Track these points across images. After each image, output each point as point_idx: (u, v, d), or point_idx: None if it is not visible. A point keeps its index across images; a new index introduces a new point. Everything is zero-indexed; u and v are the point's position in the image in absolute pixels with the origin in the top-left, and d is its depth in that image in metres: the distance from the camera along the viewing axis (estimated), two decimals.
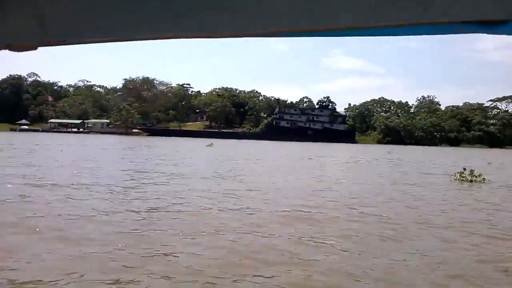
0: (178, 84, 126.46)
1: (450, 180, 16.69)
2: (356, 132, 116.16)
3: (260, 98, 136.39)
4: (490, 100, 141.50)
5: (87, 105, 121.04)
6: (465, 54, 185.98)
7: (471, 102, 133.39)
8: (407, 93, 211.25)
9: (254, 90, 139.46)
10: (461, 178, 16.24)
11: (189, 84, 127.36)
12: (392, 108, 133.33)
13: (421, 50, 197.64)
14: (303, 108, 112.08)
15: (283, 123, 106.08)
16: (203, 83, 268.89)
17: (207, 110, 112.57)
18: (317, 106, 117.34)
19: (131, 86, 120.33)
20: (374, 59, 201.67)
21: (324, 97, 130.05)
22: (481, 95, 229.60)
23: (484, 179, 15.90)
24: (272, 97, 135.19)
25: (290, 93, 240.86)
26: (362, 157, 37.58)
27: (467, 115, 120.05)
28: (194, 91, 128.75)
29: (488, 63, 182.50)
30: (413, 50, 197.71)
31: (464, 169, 16.49)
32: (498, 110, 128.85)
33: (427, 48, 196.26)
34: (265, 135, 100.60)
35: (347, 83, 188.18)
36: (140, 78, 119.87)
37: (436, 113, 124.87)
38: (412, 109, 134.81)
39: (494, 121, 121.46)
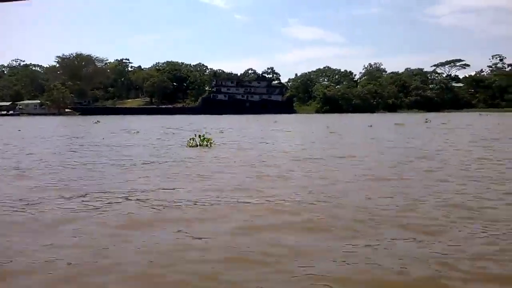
0: (116, 59, 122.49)
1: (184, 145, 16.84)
2: (297, 102, 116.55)
3: (207, 72, 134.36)
4: (433, 65, 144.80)
5: (19, 86, 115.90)
6: (421, 20, 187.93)
7: (424, 67, 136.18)
8: (365, 62, 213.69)
9: (200, 63, 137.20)
10: (192, 144, 16.34)
11: (128, 60, 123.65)
12: (336, 77, 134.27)
13: (379, 17, 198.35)
14: (240, 80, 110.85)
15: (220, 96, 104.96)
16: (150, 58, 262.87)
17: (144, 85, 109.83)
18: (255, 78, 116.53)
19: (65, 64, 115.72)
20: (332, 28, 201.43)
21: (268, 68, 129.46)
22: (437, 60, 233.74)
23: (211, 144, 16.22)
24: (219, 70, 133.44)
25: (250, 65, 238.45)
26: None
27: (406, 81, 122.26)
28: (134, 67, 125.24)
29: (443, 28, 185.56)
30: (371, 18, 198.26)
31: (195, 135, 16.64)
32: (437, 75, 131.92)
33: (384, 15, 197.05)
34: (202, 109, 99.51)
35: (306, 53, 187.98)
36: (74, 54, 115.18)
37: (378, 80, 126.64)
38: (357, 78, 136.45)
39: (433, 86, 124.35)
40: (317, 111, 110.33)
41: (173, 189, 8.10)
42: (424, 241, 4.88)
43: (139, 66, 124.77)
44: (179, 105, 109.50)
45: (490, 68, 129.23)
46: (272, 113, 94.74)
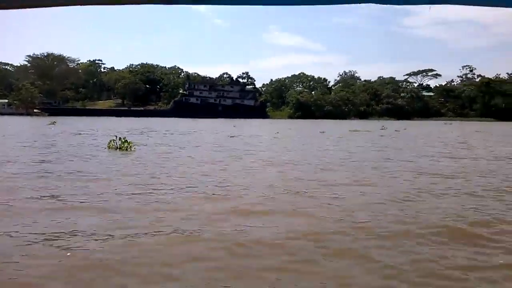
0: (89, 60, 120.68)
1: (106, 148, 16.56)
2: (271, 107, 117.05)
3: (182, 75, 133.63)
4: (406, 74, 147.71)
5: None
6: (398, 30, 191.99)
7: (397, 76, 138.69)
8: (344, 69, 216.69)
9: (175, 66, 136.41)
10: (111, 146, 16.07)
11: (101, 60, 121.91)
12: (311, 83, 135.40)
13: (358, 26, 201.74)
14: (213, 84, 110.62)
15: (192, 100, 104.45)
16: (127, 61, 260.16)
17: (116, 87, 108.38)
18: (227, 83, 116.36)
19: (36, 63, 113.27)
20: (312, 36, 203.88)
21: (243, 73, 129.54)
22: (411, 70, 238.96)
23: (131, 147, 15.86)
24: (195, 73, 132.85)
25: (228, 70, 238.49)
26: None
27: (378, 89, 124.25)
28: (107, 68, 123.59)
29: (418, 39, 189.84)
30: (350, 27, 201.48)
31: (116, 136, 16.32)
32: (409, 84, 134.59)
33: (363, 24, 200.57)
34: (174, 112, 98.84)
35: (285, 60, 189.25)
36: (45, 54, 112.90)
37: (351, 88, 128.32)
38: (331, 85, 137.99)
39: (404, 94, 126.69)
40: (290, 117, 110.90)
41: None
42: None
43: (112, 68, 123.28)
44: (151, 108, 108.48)
45: (460, 79, 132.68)
46: (245, 118, 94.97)
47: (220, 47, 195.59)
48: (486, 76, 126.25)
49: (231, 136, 28.32)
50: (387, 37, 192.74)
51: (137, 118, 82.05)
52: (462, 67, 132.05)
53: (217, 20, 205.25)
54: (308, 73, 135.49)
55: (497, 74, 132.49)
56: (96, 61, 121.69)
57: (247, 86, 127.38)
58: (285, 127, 47.57)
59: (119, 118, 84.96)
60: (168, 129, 36.98)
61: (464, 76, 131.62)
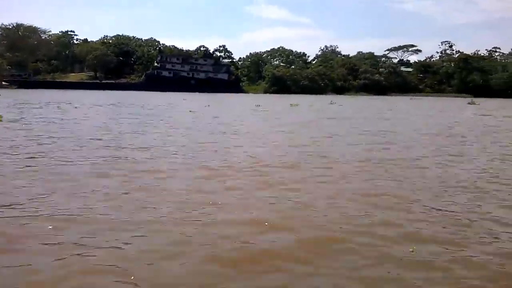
0: (61, 31, 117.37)
1: None
2: (247, 82, 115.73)
3: (160, 47, 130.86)
4: (387, 50, 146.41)
5: None
6: (386, 5, 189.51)
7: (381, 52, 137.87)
8: (335, 44, 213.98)
9: (151, 38, 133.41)
10: None
11: (74, 32, 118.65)
12: (290, 58, 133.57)
13: (346, 1, 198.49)
14: (185, 56, 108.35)
15: (164, 73, 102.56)
16: (106, 33, 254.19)
17: (86, 59, 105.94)
18: (202, 55, 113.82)
19: (5, 34, 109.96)
20: (299, 9, 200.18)
21: (220, 46, 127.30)
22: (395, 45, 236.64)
23: None
24: (172, 46, 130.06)
25: (215, 43, 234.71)
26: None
27: (356, 64, 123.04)
28: (80, 40, 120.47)
29: (405, 13, 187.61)
30: (338, 1, 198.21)
31: None
32: (387, 59, 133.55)
33: None
34: (146, 85, 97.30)
35: (272, 33, 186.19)
36: (15, 24, 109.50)
37: (330, 63, 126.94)
38: (310, 59, 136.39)
39: (382, 70, 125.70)
40: (266, 91, 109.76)
41: None
42: None
43: (85, 39, 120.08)
44: (124, 81, 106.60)
45: (439, 55, 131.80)
46: (218, 92, 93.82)
47: (202, 20, 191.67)
48: (464, 52, 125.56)
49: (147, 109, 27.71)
50: (375, 12, 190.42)
51: (110, 91, 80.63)
52: (441, 42, 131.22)
53: None
54: (295, 47, 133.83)
55: (476, 50, 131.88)
56: (69, 32, 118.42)
57: (224, 60, 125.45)
58: (235, 101, 46.92)
59: (85, 91, 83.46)
60: (103, 103, 36.12)
61: (443, 52, 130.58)
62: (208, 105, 33.41)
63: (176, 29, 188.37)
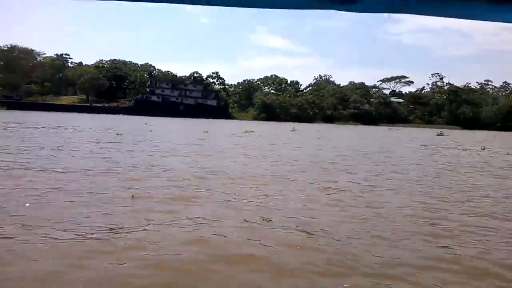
0: (56, 54, 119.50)
1: None
2: (237, 109, 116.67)
3: (155, 72, 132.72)
4: (379, 80, 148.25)
5: None
6: (383, 37, 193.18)
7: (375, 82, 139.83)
8: (332, 73, 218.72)
9: (147, 63, 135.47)
10: None
11: (68, 55, 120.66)
12: (283, 86, 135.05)
13: (343, 31, 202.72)
14: (175, 82, 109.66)
15: (154, 98, 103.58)
16: (105, 57, 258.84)
17: (78, 82, 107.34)
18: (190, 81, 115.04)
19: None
20: (299, 39, 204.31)
21: (213, 73, 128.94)
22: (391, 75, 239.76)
23: None
24: (168, 71, 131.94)
25: (210, 70, 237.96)
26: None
27: (346, 94, 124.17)
28: (75, 63, 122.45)
29: (402, 46, 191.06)
30: (335, 32, 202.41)
31: None
32: (378, 90, 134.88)
33: (348, 29, 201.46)
34: (135, 110, 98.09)
35: (272, 61, 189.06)
36: (9, 45, 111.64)
37: (321, 92, 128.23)
38: (302, 88, 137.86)
39: (373, 100, 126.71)
40: (255, 118, 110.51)
41: None
42: None
43: (80, 63, 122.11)
44: (115, 104, 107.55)
45: (429, 86, 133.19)
46: (207, 118, 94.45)
47: (204, 46, 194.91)
48: (454, 85, 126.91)
49: (119, 134, 27.67)
50: (371, 43, 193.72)
51: (97, 115, 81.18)
52: (432, 74, 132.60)
53: (203, 19, 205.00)
54: (294, 76, 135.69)
55: (467, 83, 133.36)
56: (64, 55, 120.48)
57: (216, 86, 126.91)
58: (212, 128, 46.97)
59: (73, 114, 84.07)
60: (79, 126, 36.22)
61: (433, 84, 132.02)
62: (151, 130, 33.14)
63: (177, 55, 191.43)
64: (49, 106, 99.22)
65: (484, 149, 27.16)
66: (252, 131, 36.92)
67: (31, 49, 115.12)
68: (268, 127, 53.44)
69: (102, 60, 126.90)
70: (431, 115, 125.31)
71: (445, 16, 0.94)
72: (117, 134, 25.54)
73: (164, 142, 21.40)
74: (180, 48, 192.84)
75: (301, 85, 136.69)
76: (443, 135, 49.51)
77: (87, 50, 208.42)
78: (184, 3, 0.95)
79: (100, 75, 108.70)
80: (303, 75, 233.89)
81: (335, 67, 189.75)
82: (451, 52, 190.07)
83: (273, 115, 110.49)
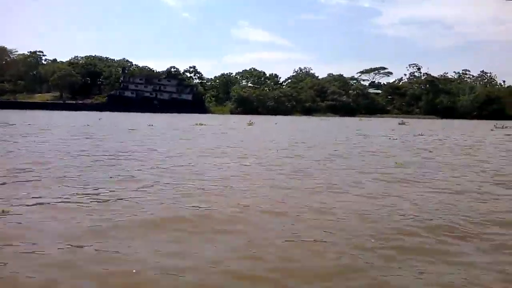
0: (29, 51, 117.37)
1: None
2: (214, 102, 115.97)
3: (133, 68, 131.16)
4: (359, 72, 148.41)
5: None
6: (366, 29, 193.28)
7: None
8: (314, 67, 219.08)
9: (124, 59, 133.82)
10: None
11: (42, 52, 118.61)
12: (262, 79, 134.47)
13: (327, 25, 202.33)
14: (149, 77, 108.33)
15: (127, 93, 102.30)
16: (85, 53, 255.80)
17: (50, 79, 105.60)
18: (164, 76, 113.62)
19: None
20: (282, 33, 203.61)
21: (190, 67, 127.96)
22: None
23: None
24: (145, 67, 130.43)
25: (199, 65, 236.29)
26: None
27: (324, 86, 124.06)
28: (49, 60, 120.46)
29: (385, 38, 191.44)
30: (319, 25, 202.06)
31: None
32: (355, 81, 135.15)
33: (332, 23, 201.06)
34: (109, 106, 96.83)
35: (255, 55, 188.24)
36: None
37: (300, 84, 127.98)
38: (281, 81, 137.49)
39: (351, 91, 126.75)
40: (232, 112, 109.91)
41: None
42: None
43: (54, 59, 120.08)
44: (89, 101, 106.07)
45: (407, 77, 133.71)
46: (183, 113, 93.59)
47: (186, 41, 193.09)
48: (431, 74, 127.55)
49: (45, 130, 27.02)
50: (355, 36, 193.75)
51: (65, 112, 79.84)
52: (409, 65, 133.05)
53: (185, 14, 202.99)
54: (276, 70, 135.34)
55: (444, 72, 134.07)
56: (37, 52, 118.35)
57: (195, 81, 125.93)
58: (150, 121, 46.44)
59: (44, 111, 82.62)
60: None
61: (411, 75, 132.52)
62: (88, 125, 32.55)
63: (157, 51, 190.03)
64: (19, 104, 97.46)
65: (422, 134, 27.21)
66: (203, 124, 36.50)
67: (4, 46, 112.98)
68: (226, 120, 52.94)
69: (77, 56, 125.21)
70: (409, 105, 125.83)
71: None
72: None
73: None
74: (161, 43, 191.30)
75: (280, 78, 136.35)
76: (404, 124, 49.62)
77: (66, 48, 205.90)
78: None
79: (73, 71, 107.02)
80: (287, 69, 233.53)
81: (319, 61, 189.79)
82: (434, 44, 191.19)
83: (251, 108, 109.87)
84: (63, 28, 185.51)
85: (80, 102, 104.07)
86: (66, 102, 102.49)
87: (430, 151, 15.89)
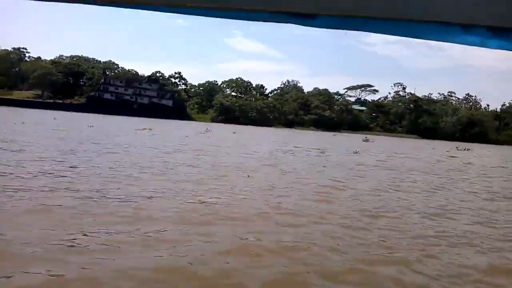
0: (13, 47, 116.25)
1: None
2: (196, 110, 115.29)
3: (117, 70, 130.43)
4: (346, 88, 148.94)
5: None
6: (357, 46, 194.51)
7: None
8: (304, 79, 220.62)
9: (110, 60, 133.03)
10: None
11: (26, 49, 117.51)
12: (248, 89, 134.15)
13: (318, 39, 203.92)
14: (129, 80, 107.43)
15: (107, 96, 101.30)
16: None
17: (30, 77, 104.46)
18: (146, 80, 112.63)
19: None
20: (274, 45, 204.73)
21: (175, 73, 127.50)
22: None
23: None
24: (131, 70, 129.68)
25: (188, 71, 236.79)
26: None
27: (309, 100, 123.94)
28: (33, 57, 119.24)
29: (376, 56, 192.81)
30: (310, 39, 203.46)
31: None
32: (340, 97, 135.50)
33: (323, 38, 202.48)
34: (88, 108, 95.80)
35: (246, 65, 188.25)
36: None
37: (285, 96, 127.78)
38: (267, 92, 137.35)
39: (335, 107, 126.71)
40: (213, 120, 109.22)
41: None
42: None
43: (39, 57, 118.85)
44: (68, 102, 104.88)
45: (391, 96, 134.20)
46: (162, 118, 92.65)
47: (179, 47, 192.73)
48: (415, 94, 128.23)
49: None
50: (345, 52, 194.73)
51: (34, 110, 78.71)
52: (394, 84, 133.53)
53: (179, 21, 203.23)
54: (266, 81, 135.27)
55: (429, 93, 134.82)
56: (21, 49, 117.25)
57: (180, 87, 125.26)
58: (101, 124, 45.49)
59: (20, 109, 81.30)
60: None
61: (395, 93, 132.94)
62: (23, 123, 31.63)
63: (149, 56, 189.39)
64: None
65: (356, 152, 26.56)
66: (148, 129, 35.77)
67: None
68: (182, 126, 52.13)
69: (62, 55, 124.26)
70: (392, 123, 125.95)
71: (409, 37, 0.96)
72: None
73: None
74: (151, 48, 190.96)
75: (266, 89, 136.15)
76: (368, 141, 49.29)
77: (53, 47, 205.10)
78: (163, 11, 1.11)
79: (55, 70, 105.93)
80: (278, 81, 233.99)
81: (309, 74, 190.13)
82: (422, 64, 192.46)
83: (233, 117, 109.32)
84: (52, 26, 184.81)
85: (60, 101, 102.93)
86: (45, 101, 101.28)
87: (324, 166, 15.22)
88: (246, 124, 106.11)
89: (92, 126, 32.01)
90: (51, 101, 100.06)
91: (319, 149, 26.95)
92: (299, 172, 13.75)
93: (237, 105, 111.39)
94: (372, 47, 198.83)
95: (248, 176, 11.25)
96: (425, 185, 12.75)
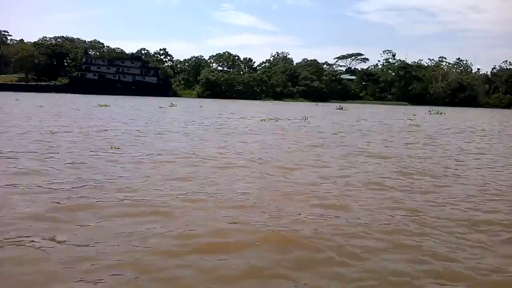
0: None
1: None
2: (182, 86, 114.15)
3: (103, 50, 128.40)
4: (336, 58, 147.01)
5: None
6: (350, 15, 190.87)
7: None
8: (297, 51, 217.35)
9: (95, 40, 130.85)
10: None
11: (7, 31, 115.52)
12: (236, 63, 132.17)
13: (311, 10, 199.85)
14: (111, 58, 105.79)
15: (89, 75, 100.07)
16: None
17: (11, 60, 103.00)
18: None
19: None
20: (266, 17, 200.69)
21: (161, 49, 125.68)
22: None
23: None
24: (117, 48, 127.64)
25: (180, 48, 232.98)
26: None
27: (297, 71, 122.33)
28: (15, 40, 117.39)
29: (369, 24, 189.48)
30: (303, 10, 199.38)
31: None
32: (329, 67, 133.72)
33: (316, 8, 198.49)
34: (71, 88, 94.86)
35: (239, 39, 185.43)
36: None
37: (273, 69, 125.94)
38: (256, 65, 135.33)
39: (324, 77, 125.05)
40: (199, 96, 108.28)
41: None
42: None
43: (21, 40, 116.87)
44: (52, 83, 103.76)
45: (381, 63, 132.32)
46: (147, 96, 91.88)
47: (168, 23, 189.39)
48: (405, 61, 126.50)
49: None
50: (338, 21, 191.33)
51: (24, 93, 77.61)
52: (383, 51, 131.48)
53: None
54: (260, 54, 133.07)
55: (419, 59, 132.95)
56: (2, 32, 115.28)
57: (165, 64, 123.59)
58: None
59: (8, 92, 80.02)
60: None
61: (385, 61, 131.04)
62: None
63: (138, 33, 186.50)
64: None
65: (306, 119, 26.29)
66: (106, 105, 35.37)
67: None
68: (142, 102, 51.49)
69: (45, 37, 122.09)
70: (382, 91, 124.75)
71: None
72: None
73: None
74: (139, 25, 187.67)
75: (254, 62, 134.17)
76: (342, 109, 48.93)
77: (37, 29, 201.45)
78: None
79: (36, 52, 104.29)
80: (269, 54, 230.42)
81: (302, 45, 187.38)
82: (415, 31, 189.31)
83: (219, 92, 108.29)
84: (35, 8, 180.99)
85: (44, 84, 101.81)
86: (28, 83, 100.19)
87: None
88: (233, 98, 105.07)
89: (42, 106, 31.53)
90: (35, 83, 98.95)
91: (273, 119, 26.59)
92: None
93: (223, 79, 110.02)
94: (364, 15, 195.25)
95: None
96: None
